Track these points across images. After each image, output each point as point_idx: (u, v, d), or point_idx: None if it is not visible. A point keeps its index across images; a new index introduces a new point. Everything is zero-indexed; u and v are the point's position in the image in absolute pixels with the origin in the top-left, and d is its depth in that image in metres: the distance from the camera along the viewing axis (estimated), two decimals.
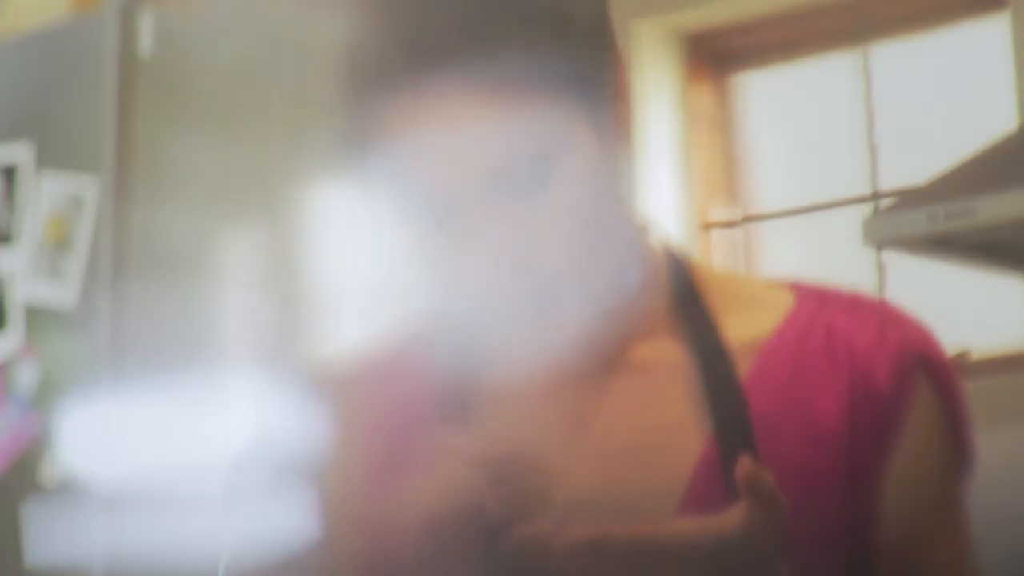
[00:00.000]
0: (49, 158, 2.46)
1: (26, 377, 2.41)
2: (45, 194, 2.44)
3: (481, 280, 0.90)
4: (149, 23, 2.46)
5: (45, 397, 2.38)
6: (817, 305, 0.97)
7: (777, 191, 3.34)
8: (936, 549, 0.95)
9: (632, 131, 0.96)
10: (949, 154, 2.55)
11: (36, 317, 2.41)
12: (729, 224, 3.35)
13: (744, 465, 0.80)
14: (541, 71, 0.87)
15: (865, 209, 2.98)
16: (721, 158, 3.37)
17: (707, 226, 3.34)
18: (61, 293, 2.39)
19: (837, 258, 3.09)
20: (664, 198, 3.21)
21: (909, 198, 2.50)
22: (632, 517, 0.86)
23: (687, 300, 0.96)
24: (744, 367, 0.93)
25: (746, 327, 0.95)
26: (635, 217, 0.99)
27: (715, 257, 3.31)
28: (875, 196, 3.12)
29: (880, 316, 0.96)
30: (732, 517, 0.80)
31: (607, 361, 0.94)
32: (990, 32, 3.02)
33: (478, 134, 0.88)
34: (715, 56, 3.38)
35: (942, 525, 0.96)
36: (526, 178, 0.88)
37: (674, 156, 3.28)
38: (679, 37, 3.35)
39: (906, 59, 3.17)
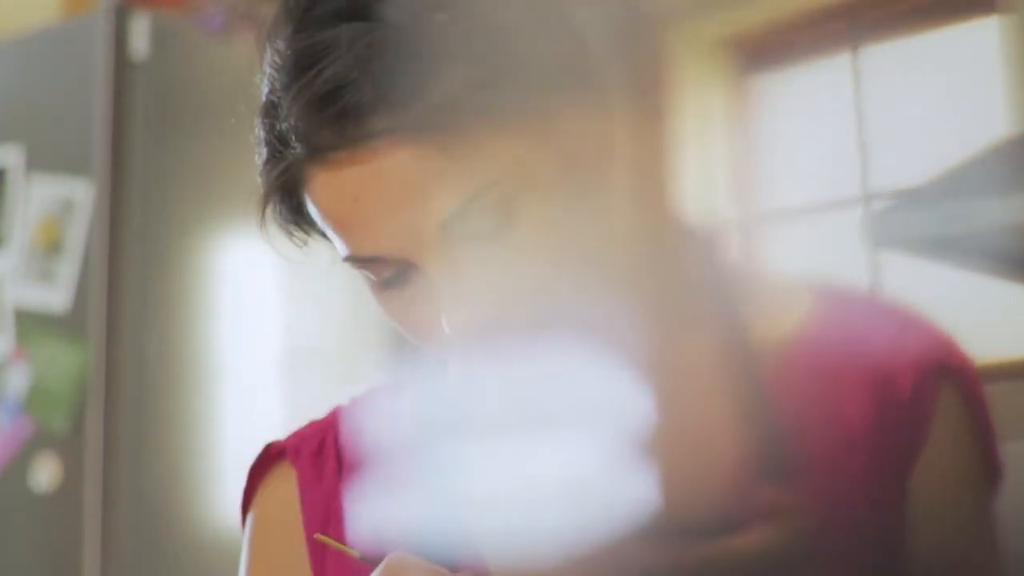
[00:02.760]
0: (40, 161, 2.45)
1: (16, 381, 2.40)
2: (35, 197, 2.43)
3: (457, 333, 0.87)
4: (142, 25, 2.44)
5: (36, 401, 2.37)
6: (836, 306, 0.95)
7: (783, 191, 3.35)
8: (966, 557, 0.94)
9: (612, 160, 0.92)
10: (942, 156, 2.54)
11: (27, 321, 2.41)
12: (743, 223, 3.36)
13: (764, 495, 0.79)
14: (480, 110, 0.84)
15: (866, 209, 2.97)
16: (738, 158, 3.39)
17: (725, 225, 3.35)
18: (52, 297, 2.38)
19: (837, 259, 3.08)
20: (686, 198, 3.22)
21: (911, 199, 2.49)
22: (672, 515, 0.86)
23: (716, 297, 0.94)
24: (768, 367, 0.92)
25: (768, 326, 0.94)
26: (661, 219, 0.96)
27: (735, 255, 3.32)
28: (875, 197, 3.11)
29: (899, 320, 0.94)
30: (758, 538, 0.79)
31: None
32: (981, 34, 3.02)
33: (418, 186, 0.84)
34: (736, 59, 3.41)
35: (971, 532, 0.95)
36: (483, 221, 0.85)
37: (695, 156, 3.29)
38: (700, 42, 3.37)
39: (900, 60, 3.17)
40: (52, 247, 2.40)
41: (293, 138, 0.86)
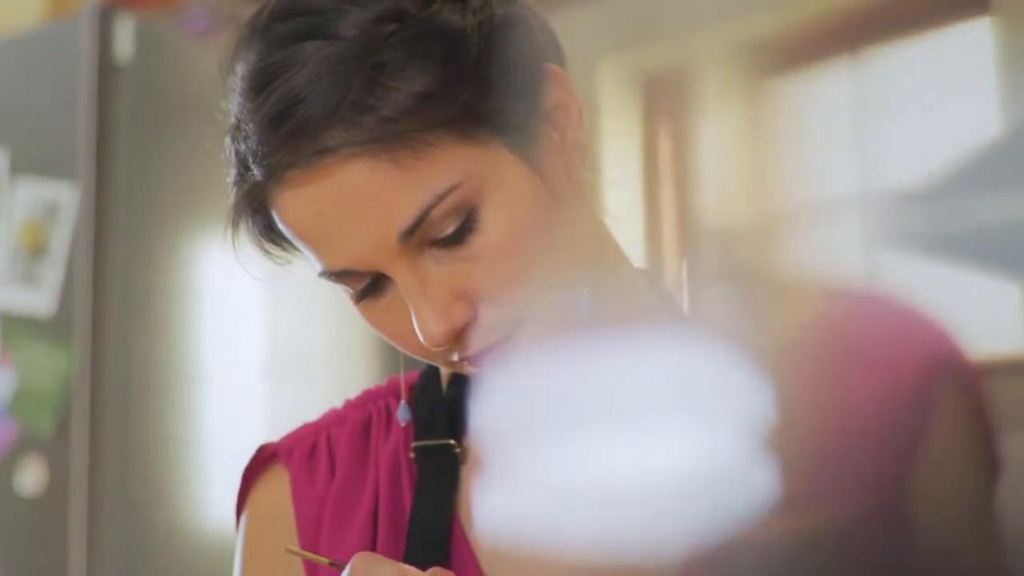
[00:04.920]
0: (24, 164, 2.45)
1: (1, 384, 2.39)
2: (19, 200, 2.43)
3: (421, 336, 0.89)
4: (126, 28, 2.44)
5: (21, 404, 2.36)
6: (840, 303, 0.97)
7: (787, 191, 3.37)
8: (966, 548, 0.95)
9: (585, 157, 0.93)
10: (940, 154, 2.55)
11: (11, 324, 2.40)
12: (755, 223, 3.37)
13: (780, 486, 0.81)
14: (432, 118, 0.85)
15: (866, 208, 2.98)
16: (753, 159, 3.40)
17: (739, 225, 3.37)
18: (37, 300, 2.38)
19: (838, 257, 3.09)
20: (697, 200, 3.23)
21: (910, 197, 2.49)
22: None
23: (725, 296, 0.95)
24: (778, 363, 0.92)
25: (777, 324, 0.95)
26: (593, 240, 0.97)
27: (748, 255, 3.34)
28: (875, 196, 3.13)
29: (900, 316, 0.96)
30: (775, 528, 0.81)
31: None
32: (973, 35, 3.03)
33: (376, 197, 0.86)
34: (750, 62, 3.42)
35: (971, 525, 0.96)
36: (444, 226, 0.87)
37: (709, 159, 3.31)
38: (713, 46, 3.39)
39: (896, 62, 3.19)
40: (37, 250, 2.39)
41: (251, 159, 0.88)
